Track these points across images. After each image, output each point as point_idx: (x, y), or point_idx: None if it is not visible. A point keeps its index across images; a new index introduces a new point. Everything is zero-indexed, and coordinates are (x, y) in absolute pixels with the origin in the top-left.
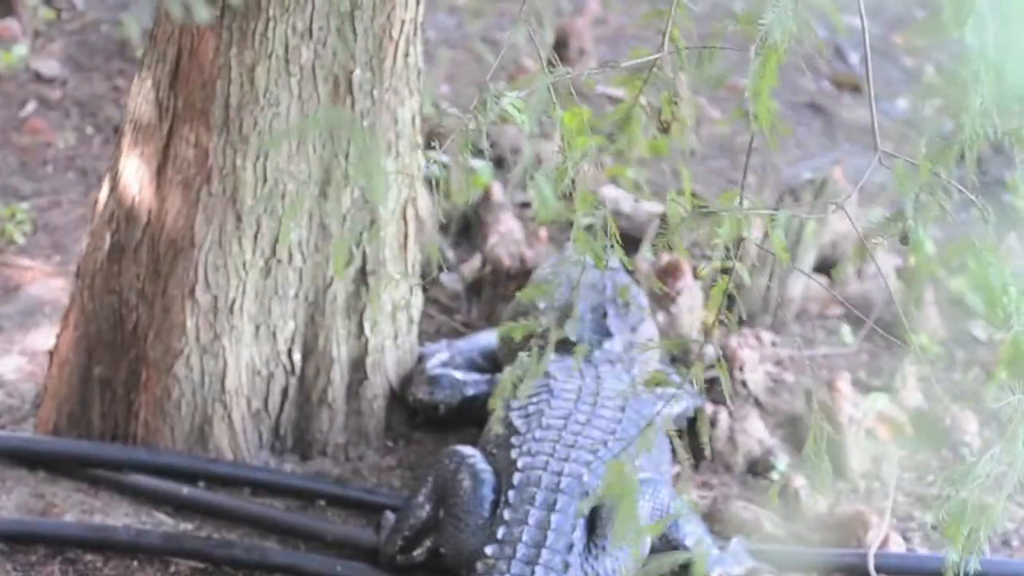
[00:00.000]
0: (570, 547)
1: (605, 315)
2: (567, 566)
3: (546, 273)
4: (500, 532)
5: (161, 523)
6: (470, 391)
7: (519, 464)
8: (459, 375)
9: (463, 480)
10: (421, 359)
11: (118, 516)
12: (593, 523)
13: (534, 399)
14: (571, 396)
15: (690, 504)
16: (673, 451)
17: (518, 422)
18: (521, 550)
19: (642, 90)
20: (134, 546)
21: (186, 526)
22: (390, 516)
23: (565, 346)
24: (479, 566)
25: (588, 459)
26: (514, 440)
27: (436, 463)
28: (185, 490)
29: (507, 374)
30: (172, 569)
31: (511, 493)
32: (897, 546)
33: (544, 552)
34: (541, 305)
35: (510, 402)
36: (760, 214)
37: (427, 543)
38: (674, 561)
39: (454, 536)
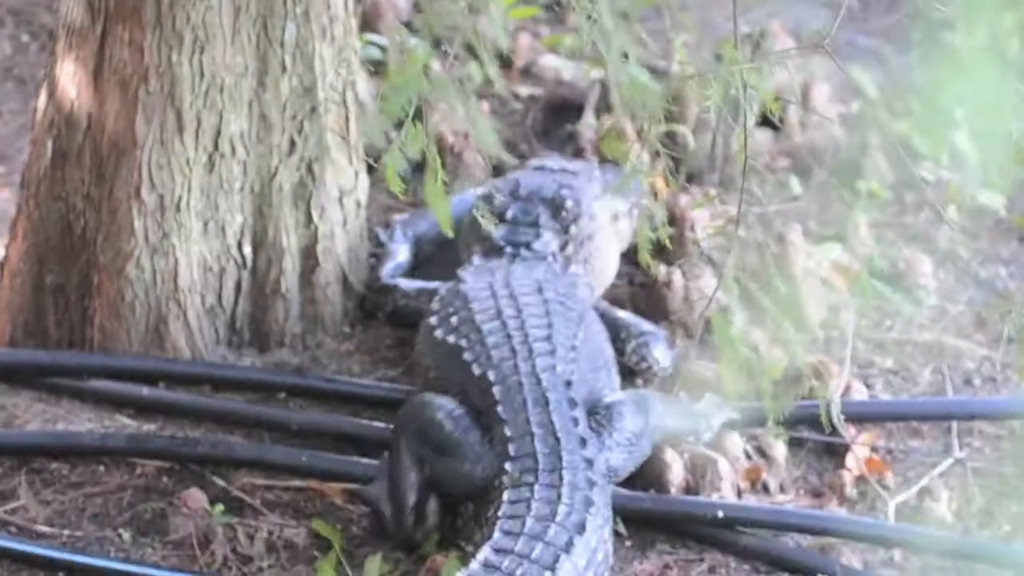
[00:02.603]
0: (583, 442)
1: (537, 220)
2: (589, 462)
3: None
4: (512, 448)
5: (124, 426)
6: (408, 301)
7: (490, 376)
8: (404, 283)
9: (436, 417)
10: (378, 259)
11: (81, 422)
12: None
13: (451, 308)
14: (486, 295)
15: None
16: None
17: (450, 338)
18: (542, 460)
19: None
20: (99, 450)
21: (149, 427)
22: (371, 491)
23: (495, 251)
24: (505, 480)
25: (548, 348)
26: (467, 356)
27: (396, 426)
28: (146, 391)
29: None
30: (138, 471)
31: (499, 408)
32: (859, 393)
33: (564, 455)
34: (497, 200)
35: (429, 320)
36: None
37: (432, 504)
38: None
39: (453, 473)
